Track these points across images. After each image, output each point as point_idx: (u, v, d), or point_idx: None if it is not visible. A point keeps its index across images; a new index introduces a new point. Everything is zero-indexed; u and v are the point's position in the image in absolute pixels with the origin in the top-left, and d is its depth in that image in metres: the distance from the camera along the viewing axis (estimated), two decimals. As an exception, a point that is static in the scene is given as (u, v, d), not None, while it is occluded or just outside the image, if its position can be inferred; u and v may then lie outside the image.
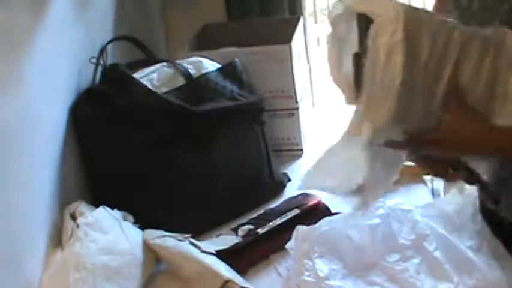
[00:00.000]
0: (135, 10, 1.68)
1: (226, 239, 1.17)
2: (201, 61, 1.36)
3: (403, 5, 0.81)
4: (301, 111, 1.55)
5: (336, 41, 0.89)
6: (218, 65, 1.37)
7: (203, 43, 1.60)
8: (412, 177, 1.38)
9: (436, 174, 0.94)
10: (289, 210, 1.22)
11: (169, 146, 1.22)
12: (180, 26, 1.85)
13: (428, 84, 0.83)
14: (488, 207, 1.05)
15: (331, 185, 0.93)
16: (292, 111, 1.53)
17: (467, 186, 1.03)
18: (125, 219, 1.14)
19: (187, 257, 1.06)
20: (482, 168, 0.91)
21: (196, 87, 1.30)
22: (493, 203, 1.00)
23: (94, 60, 1.30)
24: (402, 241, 1.07)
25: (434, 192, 1.38)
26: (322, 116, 1.84)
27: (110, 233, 1.08)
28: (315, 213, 1.21)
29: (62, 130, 1.18)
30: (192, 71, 1.32)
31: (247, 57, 1.42)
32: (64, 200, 1.13)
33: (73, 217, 1.09)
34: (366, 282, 1.03)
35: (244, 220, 1.23)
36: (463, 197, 1.17)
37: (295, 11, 1.85)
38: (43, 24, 1.12)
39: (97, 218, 1.09)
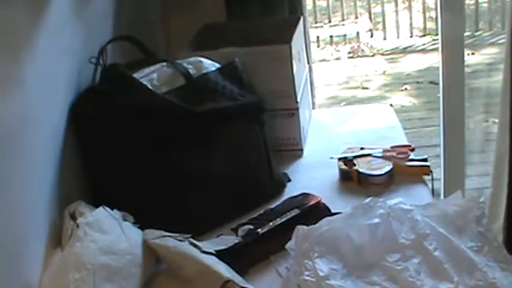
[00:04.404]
0: (135, 10, 1.68)
1: (226, 239, 1.17)
2: (201, 61, 1.36)
3: None
4: (301, 111, 1.55)
5: None
6: (218, 65, 1.37)
7: (203, 43, 1.60)
8: (412, 177, 1.38)
9: None
10: (289, 210, 1.22)
11: (169, 146, 1.22)
12: (180, 26, 1.84)
13: None
14: None
15: None
16: (292, 111, 1.53)
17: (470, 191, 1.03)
18: (124, 219, 1.14)
19: (187, 257, 1.06)
20: None
21: (196, 87, 1.30)
22: None
23: (94, 60, 1.30)
24: (402, 241, 1.07)
25: (434, 192, 1.38)
26: (322, 116, 1.84)
27: (110, 233, 1.07)
28: (315, 213, 1.21)
29: (61, 130, 1.18)
30: (192, 71, 1.32)
31: (247, 57, 1.42)
32: (64, 200, 1.13)
33: (73, 217, 1.09)
34: (366, 282, 1.03)
35: (244, 220, 1.23)
36: (465, 200, 1.17)
37: (295, 11, 1.85)
38: (43, 24, 1.12)
39: (97, 218, 1.09)
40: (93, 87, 1.27)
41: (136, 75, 1.27)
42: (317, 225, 1.10)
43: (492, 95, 3.14)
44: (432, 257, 1.04)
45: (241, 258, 1.12)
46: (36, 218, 1.06)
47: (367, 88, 4.72)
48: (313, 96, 1.95)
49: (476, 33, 5.11)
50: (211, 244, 1.13)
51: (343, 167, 1.42)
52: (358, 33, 5.40)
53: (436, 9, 2.40)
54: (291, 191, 1.37)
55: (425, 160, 1.42)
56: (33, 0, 1.11)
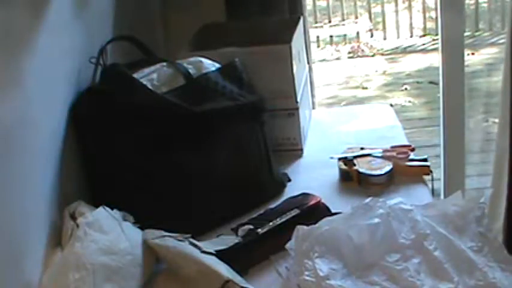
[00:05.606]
0: (135, 10, 1.68)
1: (226, 239, 1.17)
2: (201, 61, 1.36)
3: None
4: (301, 111, 1.55)
5: None
6: (218, 65, 1.37)
7: (203, 43, 1.60)
8: (412, 177, 1.38)
9: None
10: (289, 210, 1.22)
11: (169, 146, 1.22)
12: (180, 26, 1.84)
13: None
14: None
15: None
16: (292, 111, 1.53)
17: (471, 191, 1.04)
18: (124, 219, 1.14)
19: (187, 257, 1.06)
20: None
21: (196, 87, 1.30)
22: None
23: (94, 60, 1.30)
24: (402, 241, 1.07)
25: (434, 192, 1.38)
26: (322, 116, 1.84)
27: (110, 233, 1.07)
28: (315, 213, 1.21)
29: (61, 130, 1.18)
30: (192, 71, 1.32)
31: (247, 57, 1.42)
32: (64, 200, 1.13)
33: (73, 217, 1.09)
34: (366, 282, 1.03)
35: (244, 220, 1.23)
36: (465, 200, 1.17)
37: (295, 11, 1.85)
38: (43, 24, 1.12)
39: (97, 218, 1.09)
40: (93, 87, 1.28)
41: (136, 75, 1.27)
42: (317, 225, 1.10)
43: (492, 95, 3.14)
44: (432, 257, 1.04)
45: (241, 258, 1.12)
46: (36, 218, 1.06)
47: (367, 88, 4.72)
48: (313, 96, 1.95)
49: (476, 33, 5.11)
50: (211, 244, 1.13)
51: (343, 167, 1.42)
52: (358, 33, 5.39)
53: (436, 9, 2.40)
54: (291, 191, 1.37)
55: (425, 160, 1.42)
56: (33, 0, 1.11)
